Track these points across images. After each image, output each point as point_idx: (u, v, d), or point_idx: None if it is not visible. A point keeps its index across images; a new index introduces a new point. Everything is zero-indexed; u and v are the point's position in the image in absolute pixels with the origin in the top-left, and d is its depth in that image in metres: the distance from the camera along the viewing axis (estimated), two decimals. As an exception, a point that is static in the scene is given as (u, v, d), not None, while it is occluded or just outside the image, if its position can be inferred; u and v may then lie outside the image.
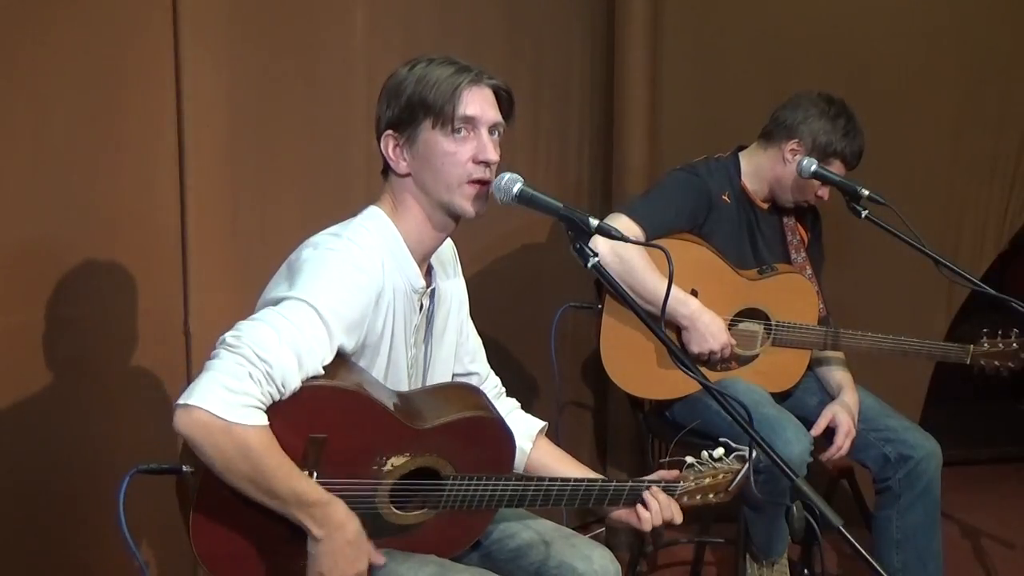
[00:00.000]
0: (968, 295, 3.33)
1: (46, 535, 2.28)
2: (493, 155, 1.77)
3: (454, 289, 1.98)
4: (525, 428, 2.04)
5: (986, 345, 2.69)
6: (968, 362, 2.70)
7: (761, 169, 2.71)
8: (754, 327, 2.65)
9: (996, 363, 2.69)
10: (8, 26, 2.16)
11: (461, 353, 2.02)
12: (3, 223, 2.19)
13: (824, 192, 2.66)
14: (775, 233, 2.77)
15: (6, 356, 2.20)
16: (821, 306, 2.71)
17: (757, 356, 2.66)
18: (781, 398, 2.67)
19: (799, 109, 2.65)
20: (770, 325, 2.64)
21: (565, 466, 1.99)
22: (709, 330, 2.54)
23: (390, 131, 1.79)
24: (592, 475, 1.96)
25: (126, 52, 2.34)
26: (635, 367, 2.59)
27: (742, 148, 2.78)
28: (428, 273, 1.89)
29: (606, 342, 2.60)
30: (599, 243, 2.33)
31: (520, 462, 2.00)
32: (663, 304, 1.82)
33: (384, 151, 1.80)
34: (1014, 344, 2.67)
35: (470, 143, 1.76)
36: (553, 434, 2.11)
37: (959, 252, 3.34)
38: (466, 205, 1.78)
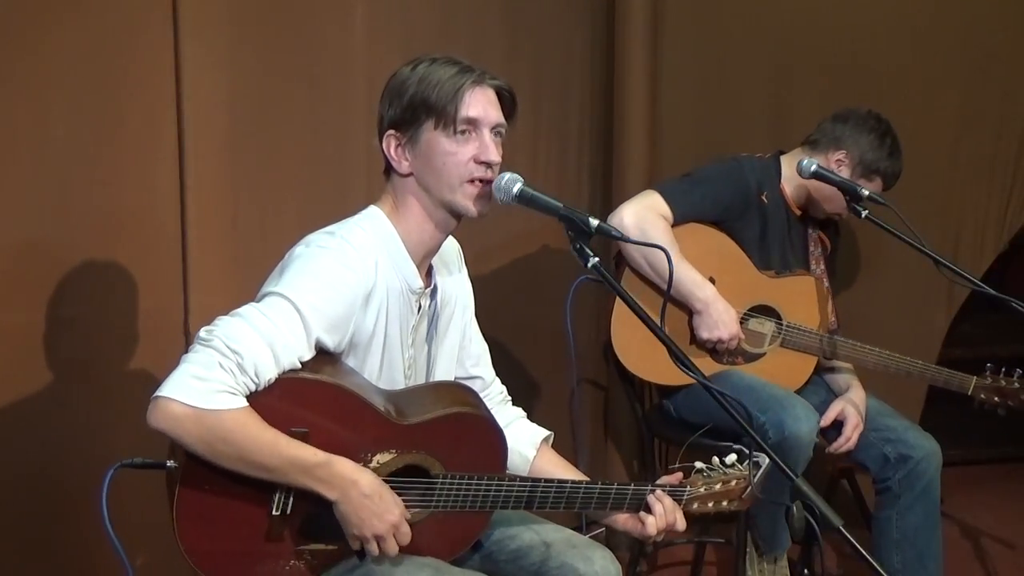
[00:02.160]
0: (968, 295, 3.33)
1: (45, 533, 2.28)
2: (495, 156, 1.77)
3: (457, 290, 1.98)
4: (529, 436, 2.02)
5: (989, 379, 2.68)
6: (969, 393, 2.69)
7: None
8: (765, 326, 2.65)
9: (996, 399, 2.67)
10: (9, 27, 2.16)
11: (463, 357, 2.01)
12: (4, 223, 2.20)
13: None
14: (801, 241, 2.78)
15: (7, 355, 2.20)
16: (833, 318, 2.73)
17: (764, 355, 2.66)
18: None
19: (848, 123, 2.68)
20: (781, 325, 2.65)
21: (568, 476, 1.96)
22: (721, 318, 2.55)
23: (392, 131, 1.79)
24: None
25: (126, 52, 2.34)
26: (644, 349, 2.58)
27: (782, 152, 2.79)
28: (429, 273, 1.88)
29: (618, 322, 2.59)
30: (624, 217, 2.47)
31: (523, 471, 1.98)
32: (665, 298, 1.84)
33: (386, 151, 1.80)
34: (1016, 384, 2.65)
35: (472, 143, 1.76)
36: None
37: (959, 252, 3.33)
38: (468, 204, 1.77)
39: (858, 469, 2.85)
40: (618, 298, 2.55)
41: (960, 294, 3.35)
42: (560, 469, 1.99)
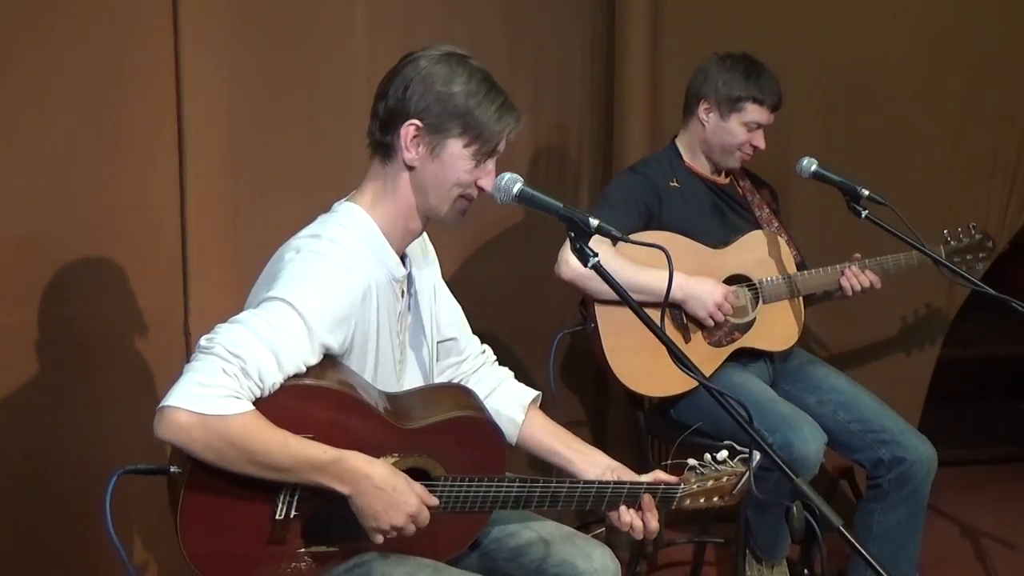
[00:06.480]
0: (968, 295, 3.33)
1: (44, 534, 2.28)
2: (491, 187, 1.80)
3: (426, 272, 1.99)
4: (516, 398, 2.02)
5: (952, 243, 2.78)
6: (943, 259, 2.73)
7: (691, 143, 2.78)
8: (739, 292, 2.67)
9: (968, 256, 2.78)
10: (9, 26, 2.17)
11: (438, 323, 2.00)
12: (3, 223, 2.20)
13: (759, 139, 2.69)
14: (739, 201, 2.81)
15: (6, 355, 2.20)
16: (794, 252, 2.77)
17: (755, 319, 2.69)
18: (781, 393, 2.67)
19: (699, 74, 2.75)
20: (754, 285, 2.68)
21: (558, 442, 1.97)
22: (703, 288, 2.58)
23: (417, 121, 1.75)
24: (587, 449, 1.96)
25: (126, 52, 2.34)
26: (644, 366, 2.58)
27: (675, 137, 2.84)
28: (403, 261, 1.89)
29: (608, 344, 2.60)
30: (571, 259, 2.44)
31: (512, 434, 1.97)
32: (664, 300, 1.81)
33: (402, 136, 1.76)
34: (976, 235, 2.77)
35: (482, 170, 1.80)
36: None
37: (959, 252, 3.33)
38: (455, 216, 1.83)
39: (858, 469, 2.85)
40: (602, 332, 2.58)
41: (960, 294, 3.35)
42: (550, 436, 1.99)
